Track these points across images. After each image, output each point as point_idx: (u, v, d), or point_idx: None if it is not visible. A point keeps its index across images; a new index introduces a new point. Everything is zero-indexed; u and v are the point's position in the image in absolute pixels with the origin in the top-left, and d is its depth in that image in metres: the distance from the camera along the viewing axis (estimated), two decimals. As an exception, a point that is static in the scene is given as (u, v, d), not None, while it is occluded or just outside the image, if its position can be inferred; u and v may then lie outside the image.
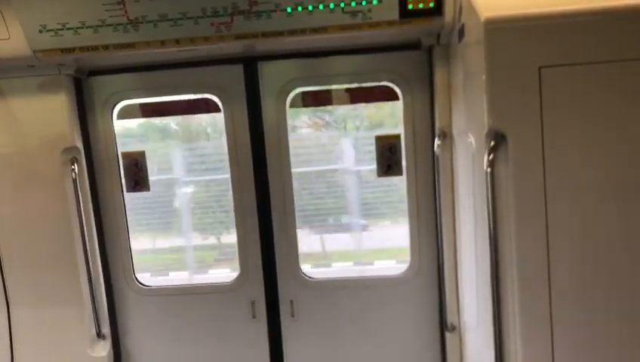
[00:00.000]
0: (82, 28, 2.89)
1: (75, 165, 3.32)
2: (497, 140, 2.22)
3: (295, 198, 3.58)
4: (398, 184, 3.67)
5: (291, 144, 3.54)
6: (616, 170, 2.18)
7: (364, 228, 4.11)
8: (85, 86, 3.49)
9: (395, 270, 3.67)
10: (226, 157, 3.54)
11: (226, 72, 3.44)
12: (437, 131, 3.19)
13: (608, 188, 2.19)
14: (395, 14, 2.79)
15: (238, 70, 3.44)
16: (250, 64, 3.43)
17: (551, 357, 2.28)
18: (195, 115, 3.89)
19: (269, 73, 3.45)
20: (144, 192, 3.69)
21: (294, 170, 3.57)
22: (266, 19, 2.82)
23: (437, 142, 3.16)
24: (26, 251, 3.44)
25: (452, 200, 3.20)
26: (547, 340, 2.28)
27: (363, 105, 3.78)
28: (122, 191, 3.64)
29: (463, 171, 2.96)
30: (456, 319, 3.31)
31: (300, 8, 2.80)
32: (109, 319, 3.65)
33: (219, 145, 3.76)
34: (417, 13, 2.79)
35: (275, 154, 3.50)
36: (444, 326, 3.39)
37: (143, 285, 3.76)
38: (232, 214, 3.62)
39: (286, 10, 2.80)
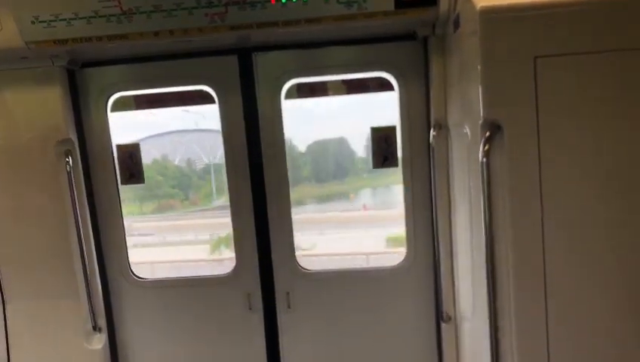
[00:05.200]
0: (75, 19, 2.86)
1: (70, 158, 3.30)
2: (493, 131, 2.22)
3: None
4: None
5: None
6: (612, 160, 2.18)
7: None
8: (79, 78, 3.47)
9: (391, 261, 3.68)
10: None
11: (221, 63, 3.42)
12: (432, 122, 3.18)
13: (604, 178, 2.19)
14: (390, 4, 2.78)
15: (233, 61, 3.42)
16: (244, 55, 3.41)
17: (546, 347, 2.30)
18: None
19: (264, 64, 3.43)
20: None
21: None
22: (261, 10, 2.80)
23: (432, 133, 3.15)
24: (20, 244, 3.42)
25: (447, 191, 3.21)
26: (542, 329, 2.29)
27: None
28: (117, 183, 3.63)
29: (458, 162, 2.96)
30: (452, 309, 3.33)
31: None
32: (105, 312, 3.64)
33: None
34: (412, 4, 2.78)
35: (270, 145, 3.50)
36: (439, 316, 3.40)
37: (139, 277, 3.75)
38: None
39: (280, 0, 2.78)
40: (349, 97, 3.74)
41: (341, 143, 5.67)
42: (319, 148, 5.84)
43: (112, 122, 3.59)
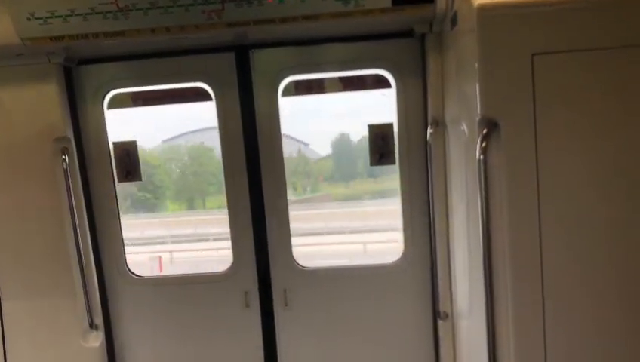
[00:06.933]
0: (71, 16, 2.85)
1: (66, 155, 3.28)
2: (490, 128, 2.22)
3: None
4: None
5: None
6: (608, 157, 2.18)
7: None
8: (75, 75, 3.46)
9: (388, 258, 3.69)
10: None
11: (218, 60, 3.42)
12: (429, 119, 3.18)
13: (602, 176, 2.19)
14: (387, 1, 2.77)
15: (230, 58, 3.42)
16: (242, 52, 3.40)
17: (543, 344, 2.30)
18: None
19: (261, 61, 3.42)
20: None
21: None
22: (258, 7, 2.80)
23: (429, 130, 3.15)
24: (16, 242, 3.41)
25: (445, 189, 3.21)
26: (539, 327, 2.29)
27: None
28: (114, 181, 3.62)
29: (455, 159, 2.96)
30: (449, 307, 3.33)
31: None
32: (102, 310, 3.63)
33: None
34: (410, 1, 2.78)
35: (267, 142, 3.49)
36: (436, 314, 3.40)
37: (135, 275, 3.75)
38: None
39: None
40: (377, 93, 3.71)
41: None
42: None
43: (154, 116, 3.60)
